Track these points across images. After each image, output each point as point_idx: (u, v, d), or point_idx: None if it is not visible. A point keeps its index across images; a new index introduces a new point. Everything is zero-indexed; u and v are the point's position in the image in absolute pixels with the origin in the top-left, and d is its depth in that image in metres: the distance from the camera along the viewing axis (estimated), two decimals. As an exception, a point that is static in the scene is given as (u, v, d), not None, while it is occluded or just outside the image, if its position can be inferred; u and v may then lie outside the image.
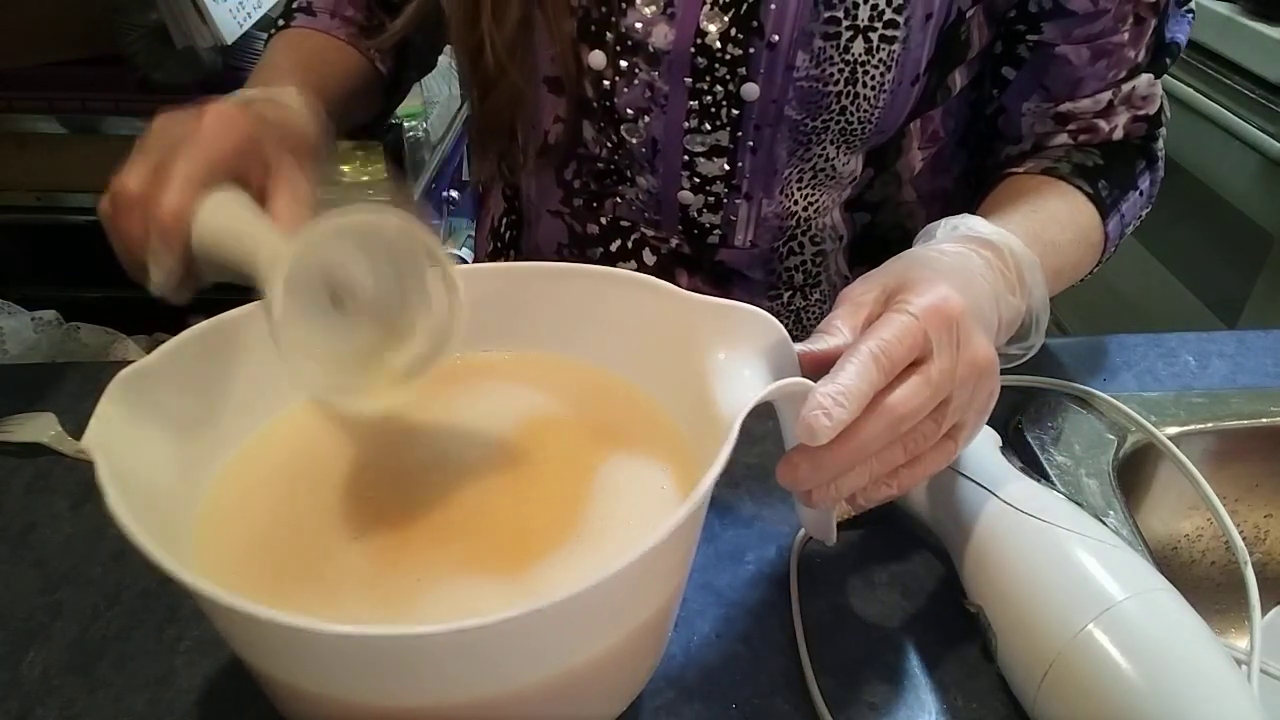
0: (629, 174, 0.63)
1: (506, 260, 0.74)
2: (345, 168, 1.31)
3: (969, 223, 0.49)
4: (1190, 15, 0.62)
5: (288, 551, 0.36)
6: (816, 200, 0.63)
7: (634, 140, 0.61)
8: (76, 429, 0.31)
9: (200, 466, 0.38)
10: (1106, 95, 0.61)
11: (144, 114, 1.32)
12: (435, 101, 1.61)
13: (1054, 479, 0.53)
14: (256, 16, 1.16)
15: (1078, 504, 0.44)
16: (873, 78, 0.56)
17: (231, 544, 0.36)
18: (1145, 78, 0.61)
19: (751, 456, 0.56)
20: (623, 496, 0.38)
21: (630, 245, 0.66)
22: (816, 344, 0.39)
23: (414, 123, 1.43)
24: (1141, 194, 0.62)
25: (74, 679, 0.42)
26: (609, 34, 0.58)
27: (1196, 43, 1.47)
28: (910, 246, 0.67)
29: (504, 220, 0.74)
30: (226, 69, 1.23)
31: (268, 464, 0.39)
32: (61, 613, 0.46)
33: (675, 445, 0.40)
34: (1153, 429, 0.56)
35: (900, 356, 0.36)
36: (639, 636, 0.35)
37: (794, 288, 0.68)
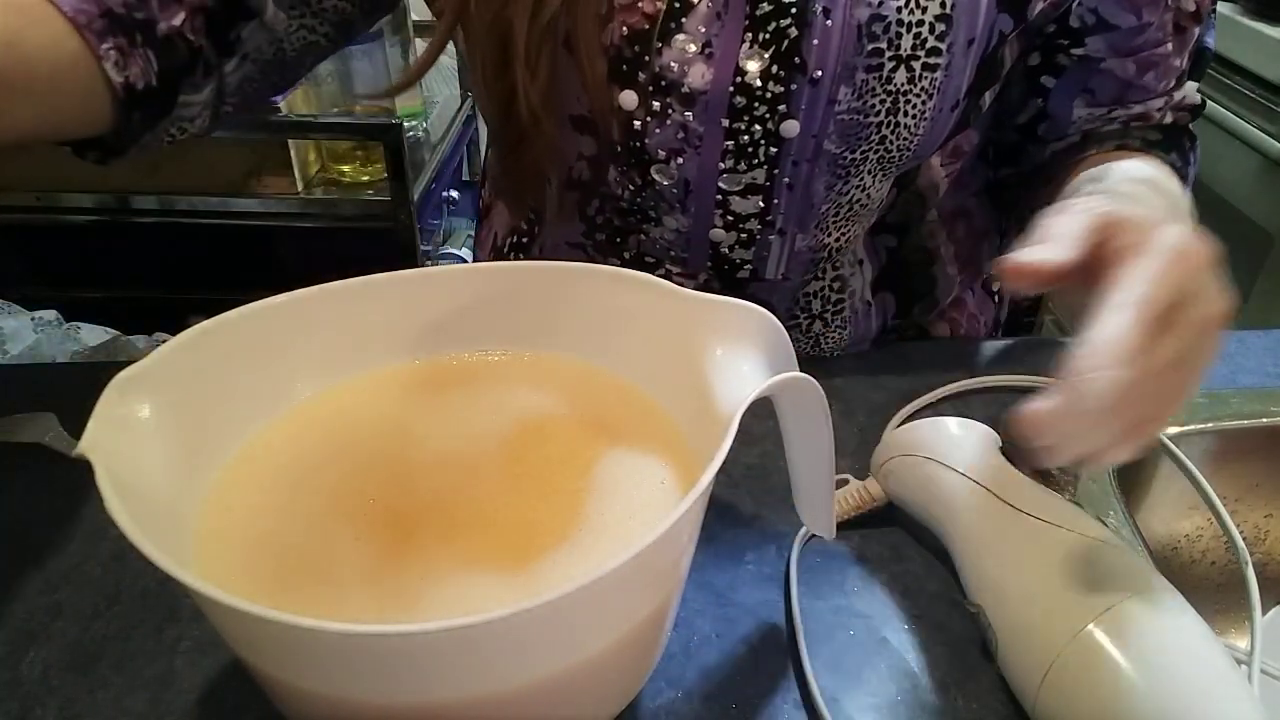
0: (654, 214, 0.61)
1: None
2: (345, 168, 1.31)
3: (1121, 169, 0.48)
4: (1213, 19, 0.63)
5: (288, 551, 0.36)
6: (849, 231, 0.63)
7: (665, 182, 0.58)
8: (76, 429, 0.31)
9: (200, 467, 0.38)
10: (1159, 102, 0.61)
11: (144, 114, 1.30)
12: (435, 101, 1.62)
13: (1054, 479, 0.53)
14: (256, 16, 1.16)
15: (1078, 504, 0.44)
16: (914, 106, 0.55)
17: (232, 544, 0.36)
18: (1190, 84, 0.62)
19: (751, 456, 0.56)
20: (623, 493, 0.38)
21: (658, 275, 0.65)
22: (1034, 255, 0.35)
23: (414, 123, 1.44)
24: (1192, 166, 0.63)
25: (74, 679, 0.42)
26: (641, 74, 0.55)
27: (1196, 43, 1.47)
28: (932, 267, 0.68)
29: (510, 240, 0.72)
30: (226, 69, 1.23)
31: (268, 464, 0.39)
32: (61, 613, 0.46)
33: (674, 442, 0.40)
34: (1153, 429, 0.55)
35: (1164, 304, 0.34)
36: (639, 633, 0.35)
37: (814, 315, 0.67)
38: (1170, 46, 0.59)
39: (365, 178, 1.31)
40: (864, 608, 0.47)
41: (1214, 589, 0.61)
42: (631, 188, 0.60)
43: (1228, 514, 0.49)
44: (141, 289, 1.43)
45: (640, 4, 0.54)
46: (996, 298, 0.75)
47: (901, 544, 0.50)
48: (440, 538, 0.36)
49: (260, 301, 0.39)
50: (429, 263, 1.45)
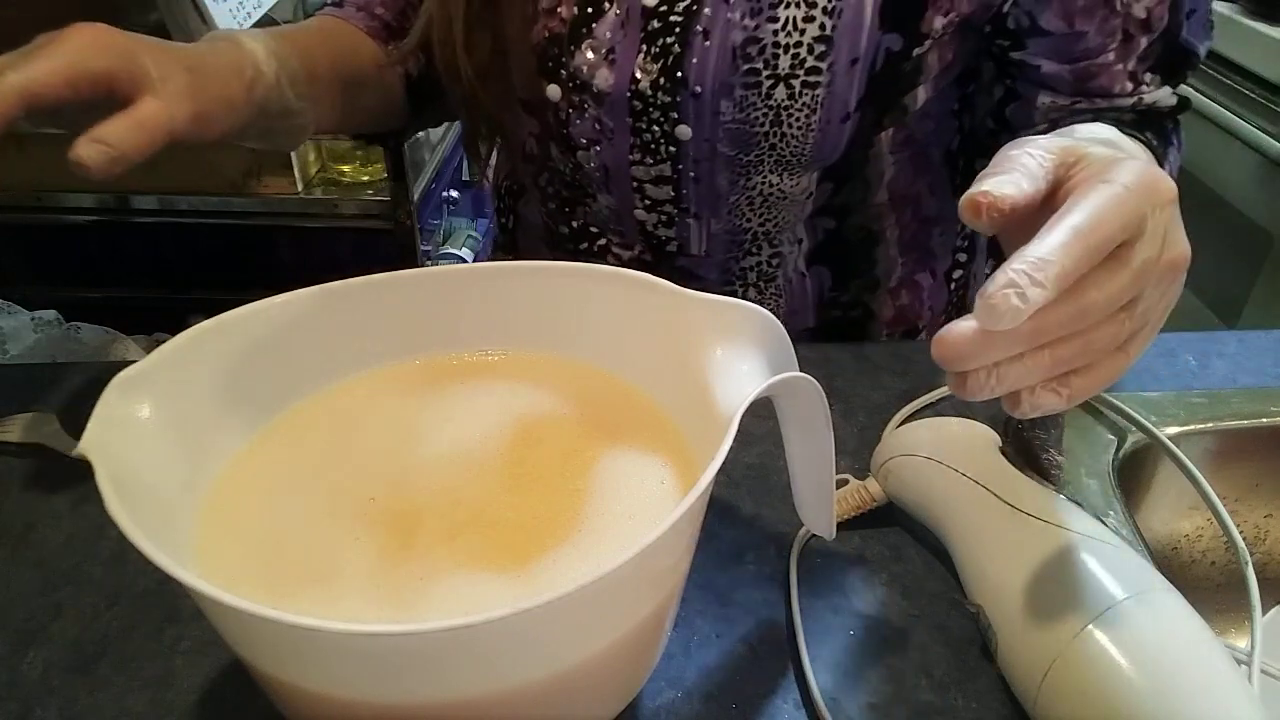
0: (590, 190, 0.66)
1: (507, 222, 0.78)
2: (345, 168, 1.31)
3: (1086, 127, 0.47)
4: (1210, 25, 0.61)
5: (288, 551, 0.36)
6: (774, 216, 0.65)
7: (589, 165, 0.64)
8: (76, 429, 0.31)
9: (200, 467, 0.38)
10: (1125, 101, 0.60)
11: (144, 114, 1.29)
12: (435, 101, 1.61)
13: (1054, 479, 0.53)
14: (257, 16, 1.16)
15: (1078, 504, 0.44)
16: (798, 119, 0.58)
17: (232, 544, 0.36)
18: (1163, 91, 0.62)
19: (751, 456, 0.56)
20: (623, 493, 0.38)
21: (597, 249, 0.69)
22: (994, 187, 0.31)
23: (414, 123, 1.43)
24: (1173, 149, 0.63)
25: (74, 679, 0.42)
26: (563, 71, 0.61)
27: (1196, 43, 1.47)
28: (875, 249, 0.70)
29: (505, 185, 0.77)
30: (226, 69, 1.23)
31: (268, 464, 0.39)
32: (61, 613, 0.46)
33: (674, 442, 0.40)
34: (1153, 429, 0.56)
35: (1111, 236, 0.31)
36: (639, 633, 0.35)
37: (748, 284, 0.69)
38: (1112, 56, 0.58)
39: (365, 178, 1.31)
40: (864, 608, 0.47)
41: (1214, 589, 0.61)
42: (569, 166, 0.66)
43: (1228, 514, 0.49)
44: (141, 289, 1.42)
45: (559, 9, 0.60)
46: (952, 285, 0.75)
47: (901, 544, 0.50)
48: (440, 538, 0.36)
49: (260, 301, 0.39)
50: (429, 263, 1.45)
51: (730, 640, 0.45)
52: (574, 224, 0.70)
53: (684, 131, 0.60)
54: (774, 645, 0.45)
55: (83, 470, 0.30)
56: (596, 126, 0.62)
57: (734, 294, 0.67)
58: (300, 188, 1.28)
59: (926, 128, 0.64)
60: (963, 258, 0.75)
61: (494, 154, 0.75)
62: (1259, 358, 0.66)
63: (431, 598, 0.33)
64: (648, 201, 0.64)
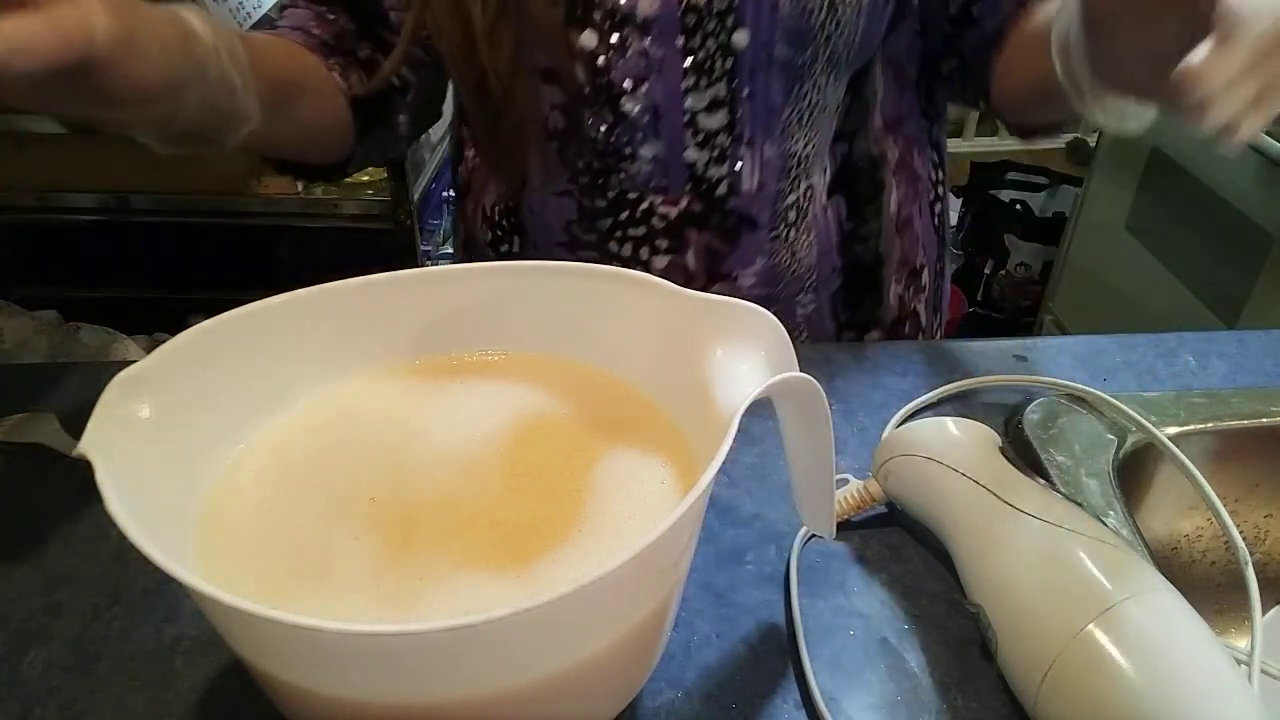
0: (630, 149, 0.64)
1: (510, 248, 0.74)
2: (345, 168, 1.31)
3: None
4: None
5: (288, 551, 0.36)
6: (815, 136, 0.66)
7: (635, 110, 0.62)
8: (76, 429, 0.31)
9: (200, 467, 0.38)
10: None
11: (144, 114, 1.29)
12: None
13: (1054, 479, 0.53)
14: (257, 16, 1.16)
15: (1078, 504, 0.44)
16: (850, 4, 0.59)
17: (232, 544, 0.36)
18: None
19: (751, 456, 0.56)
20: (623, 493, 0.38)
21: (639, 214, 0.67)
22: None
23: (414, 123, 1.43)
24: None
25: (74, 679, 0.42)
26: (596, 13, 0.59)
27: (1196, 43, 1.47)
28: (879, 172, 0.71)
29: (499, 207, 0.73)
30: (226, 69, 1.23)
31: (268, 464, 0.39)
32: (61, 613, 0.46)
33: (674, 442, 0.40)
34: (1153, 429, 0.56)
35: None
36: (639, 633, 0.35)
37: (789, 225, 0.69)
38: None
39: (365, 178, 1.31)
40: (864, 608, 0.47)
41: (1214, 589, 0.61)
42: (605, 126, 0.63)
43: (1228, 514, 0.49)
44: (141, 289, 1.42)
45: None
46: (936, 221, 0.77)
47: (901, 544, 0.50)
48: (440, 537, 0.36)
49: (260, 301, 0.39)
50: (429, 263, 1.45)
51: (730, 640, 0.45)
52: (609, 195, 0.67)
53: (741, 39, 0.59)
54: (774, 645, 0.45)
55: (83, 470, 0.30)
56: (643, 61, 0.60)
57: (778, 237, 0.68)
58: (300, 188, 1.28)
59: (902, 44, 0.66)
60: (941, 190, 0.77)
61: (472, 189, 0.74)
62: (1259, 358, 0.66)
63: (431, 598, 0.33)
64: (700, 136, 0.63)
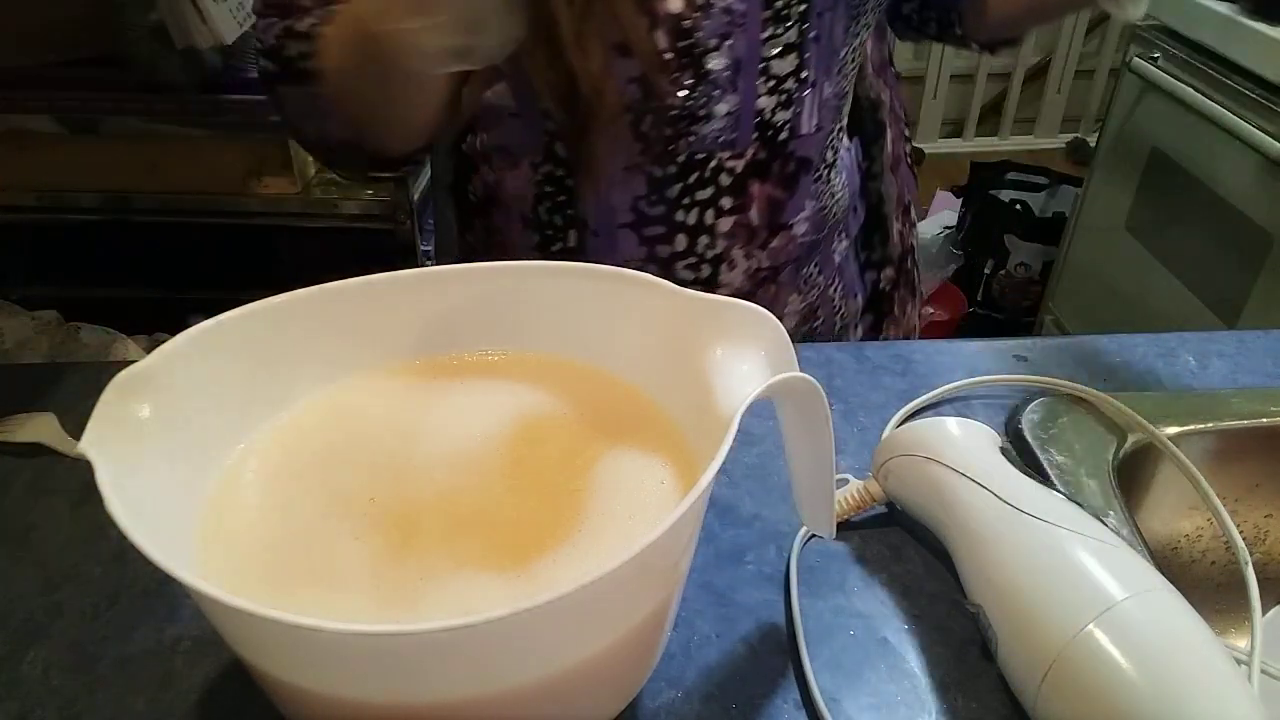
0: (704, 110, 0.64)
1: (564, 244, 0.71)
2: (345, 168, 1.31)
3: None
4: None
5: (289, 551, 0.36)
6: (856, 74, 0.70)
7: (719, 67, 0.63)
8: (76, 429, 0.31)
9: (200, 467, 0.38)
10: None
11: (144, 114, 1.32)
12: (435, 101, 1.61)
13: (1054, 479, 0.53)
14: (256, 16, 1.16)
15: (1078, 504, 0.44)
16: None
17: (232, 544, 0.36)
18: None
19: (751, 456, 0.56)
20: (623, 493, 0.38)
21: (708, 174, 0.67)
22: None
23: (414, 123, 1.43)
24: None
25: (74, 679, 0.42)
26: None
27: (1197, 43, 1.47)
28: (879, 113, 0.76)
29: (540, 209, 0.70)
30: (226, 69, 1.23)
31: (268, 464, 0.39)
32: (61, 613, 0.46)
33: (675, 442, 0.40)
34: (1153, 429, 0.56)
35: None
36: (639, 633, 0.35)
37: (828, 165, 0.71)
38: None
39: (365, 177, 1.31)
40: (864, 608, 0.47)
41: (1214, 589, 0.61)
42: (684, 89, 0.63)
43: (1228, 514, 0.49)
44: (141, 289, 1.42)
45: None
46: (909, 160, 0.82)
47: (901, 544, 0.50)
48: (440, 538, 0.36)
49: (260, 301, 0.39)
50: (429, 263, 1.45)
51: (730, 640, 0.45)
52: (679, 160, 0.66)
53: None
54: (774, 645, 0.45)
55: (83, 470, 0.30)
56: (726, 18, 0.61)
57: (820, 179, 0.71)
58: (300, 188, 1.28)
59: None
60: (909, 132, 0.82)
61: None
62: (1259, 358, 0.66)
63: (431, 598, 0.33)
64: (771, 83, 0.64)
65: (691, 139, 0.66)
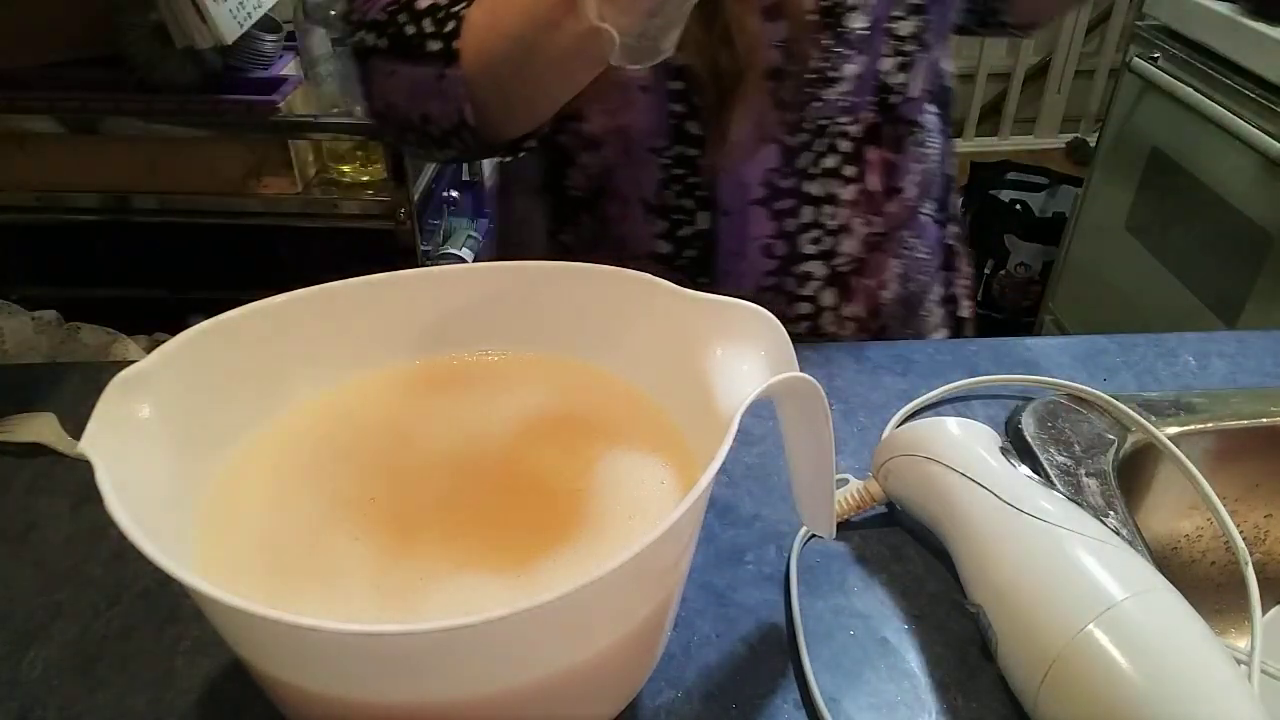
0: (833, 72, 0.64)
1: (693, 226, 0.69)
2: (345, 168, 1.31)
3: None
4: None
5: (288, 551, 0.36)
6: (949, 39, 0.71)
7: (858, 25, 0.63)
8: (76, 429, 0.31)
9: (201, 467, 0.38)
10: None
11: (144, 114, 1.32)
12: (435, 101, 1.61)
13: (1054, 479, 0.53)
14: (256, 16, 1.16)
15: (1078, 504, 0.44)
16: None
17: (232, 544, 0.36)
18: None
19: (751, 456, 0.56)
20: (623, 493, 0.38)
21: (831, 141, 0.67)
22: None
23: (414, 123, 1.43)
24: None
25: (74, 679, 0.42)
26: None
27: (1196, 43, 1.47)
28: (946, 82, 0.76)
29: (669, 192, 0.68)
30: (226, 69, 1.24)
31: (268, 464, 0.39)
32: (61, 613, 0.46)
33: (675, 442, 0.40)
34: (1153, 429, 0.56)
35: None
36: (639, 633, 0.35)
37: (923, 127, 0.71)
38: None
39: (365, 178, 1.31)
40: (864, 608, 0.47)
41: (1214, 589, 0.61)
42: (821, 50, 0.63)
43: (1228, 514, 0.49)
44: (141, 289, 1.43)
45: None
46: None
47: (901, 544, 0.50)
48: (440, 538, 0.36)
49: (260, 301, 0.39)
50: (429, 263, 1.45)
51: (730, 640, 0.45)
52: (805, 127, 0.65)
53: None
54: (774, 645, 0.45)
55: (83, 470, 0.30)
56: None
57: (920, 142, 0.71)
58: (300, 188, 1.28)
59: None
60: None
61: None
62: (1259, 358, 0.66)
63: (431, 598, 0.33)
64: (895, 42, 0.65)
65: (819, 104, 0.65)
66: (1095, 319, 1.81)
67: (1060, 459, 0.55)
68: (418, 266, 0.46)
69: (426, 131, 0.62)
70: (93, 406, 0.33)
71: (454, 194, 1.63)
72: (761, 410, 0.37)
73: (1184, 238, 1.53)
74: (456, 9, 0.57)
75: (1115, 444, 0.56)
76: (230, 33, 1.09)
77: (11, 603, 0.46)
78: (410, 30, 0.58)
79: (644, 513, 0.37)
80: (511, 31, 0.55)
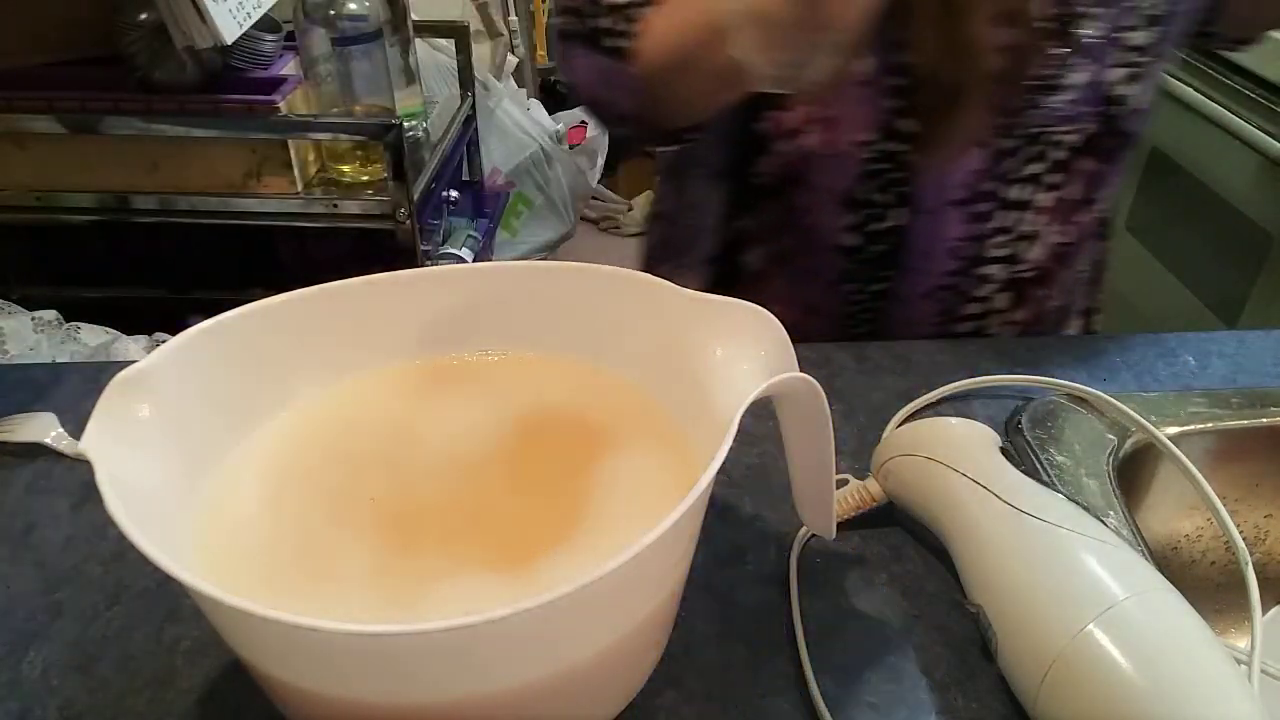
0: (1058, 79, 0.63)
1: (882, 222, 0.68)
2: (345, 168, 1.31)
3: None
4: None
5: (288, 552, 0.36)
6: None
7: (1086, 35, 0.62)
8: (76, 429, 0.31)
9: (200, 467, 0.38)
10: None
11: (144, 114, 1.32)
12: (435, 101, 1.62)
13: (1054, 479, 0.53)
14: (256, 16, 1.16)
15: (1078, 504, 0.44)
16: None
17: (232, 544, 0.36)
18: None
19: (751, 456, 0.56)
20: (623, 493, 0.38)
21: (1044, 147, 0.66)
22: None
23: (414, 123, 1.43)
24: None
25: (74, 679, 0.42)
26: None
27: (1196, 43, 1.47)
28: None
29: (868, 184, 0.67)
30: (226, 69, 1.23)
31: (268, 464, 0.39)
32: (61, 613, 0.46)
33: (675, 442, 0.40)
34: (1153, 429, 0.56)
35: None
36: (639, 633, 0.35)
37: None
38: None
39: (365, 178, 1.31)
40: (864, 608, 0.47)
41: (1214, 589, 0.61)
42: (1051, 52, 0.62)
43: (1228, 514, 0.49)
44: (141, 289, 1.42)
45: None
46: None
47: (901, 544, 0.50)
48: (440, 538, 0.36)
49: (260, 301, 0.40)
50: (429, 263, 1.45)
51: (730, 640, 0.45)
52: (1016, 134, 0.65)
53: None
54: (774, 645, 0.45)
55: (83, 470, 0.30)
56: None
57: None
58: (300, 188, 1.28)
59: None
60: None
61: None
62: (1259, 358, 0.66)
63: (431, 598, 0.33)
64: (1125, 54, 0.64)
65: (1038, 110, 0.64)
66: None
67: (1060, 459, 0.55)
68: (418, 266, 0.45)
69: (609, 113, 0.68)
70: (93, 406, 0.33)
71: (454, 194, 1.63)
72: (761, 410, 0.37)
73: (1184, 238, 1.53)
74: (639, 10, 0.61)
75: (1115, 444, 0.56)
76: (230, 33, 1.09)
77: (11, 603, 0.46)
78: (599, 23, 0.63)
79: (644, 513, 0.37)
80: (673, 43, 0.59)
